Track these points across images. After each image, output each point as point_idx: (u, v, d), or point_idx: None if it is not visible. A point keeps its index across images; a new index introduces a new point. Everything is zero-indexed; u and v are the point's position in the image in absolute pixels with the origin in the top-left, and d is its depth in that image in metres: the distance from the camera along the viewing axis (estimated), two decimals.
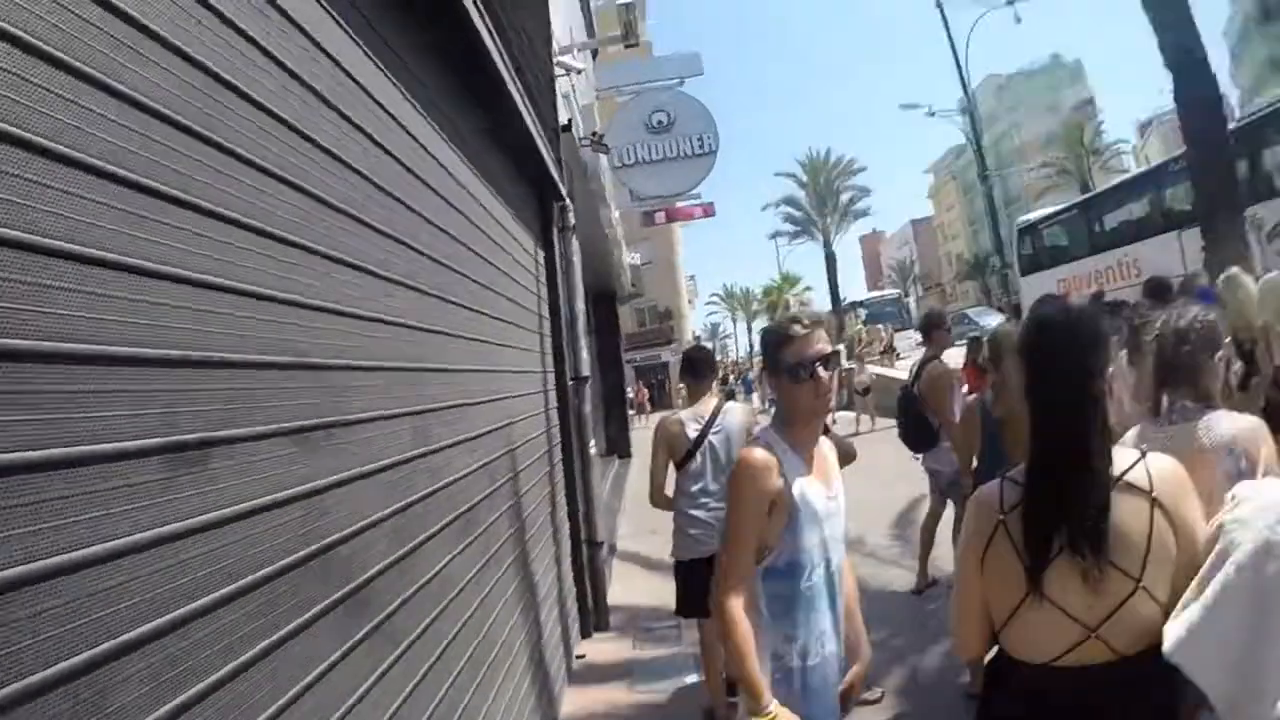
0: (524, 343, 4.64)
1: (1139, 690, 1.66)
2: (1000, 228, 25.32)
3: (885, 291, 59.27)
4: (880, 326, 31.52)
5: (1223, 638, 1.54)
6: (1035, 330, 1.92)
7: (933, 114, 26.82)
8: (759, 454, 2.22)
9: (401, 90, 2.76)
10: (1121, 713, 1.67)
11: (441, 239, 3.04)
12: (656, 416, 29.63)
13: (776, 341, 2.32)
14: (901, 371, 18.97)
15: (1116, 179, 41.15)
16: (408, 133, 2.78)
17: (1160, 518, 1.65)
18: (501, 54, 3.82)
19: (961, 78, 23.67)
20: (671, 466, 4.45)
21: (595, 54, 11.84)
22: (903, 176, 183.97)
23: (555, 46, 6.57)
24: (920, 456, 6.13)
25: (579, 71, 7.99)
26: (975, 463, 4.42)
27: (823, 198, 53.35)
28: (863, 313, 43.27)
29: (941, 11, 23.28)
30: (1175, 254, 15.67)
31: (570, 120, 6.99)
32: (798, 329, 2.28)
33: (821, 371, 2.25)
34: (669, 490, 4.48)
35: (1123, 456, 1.73)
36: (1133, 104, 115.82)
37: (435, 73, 3.30)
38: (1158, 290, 6.12)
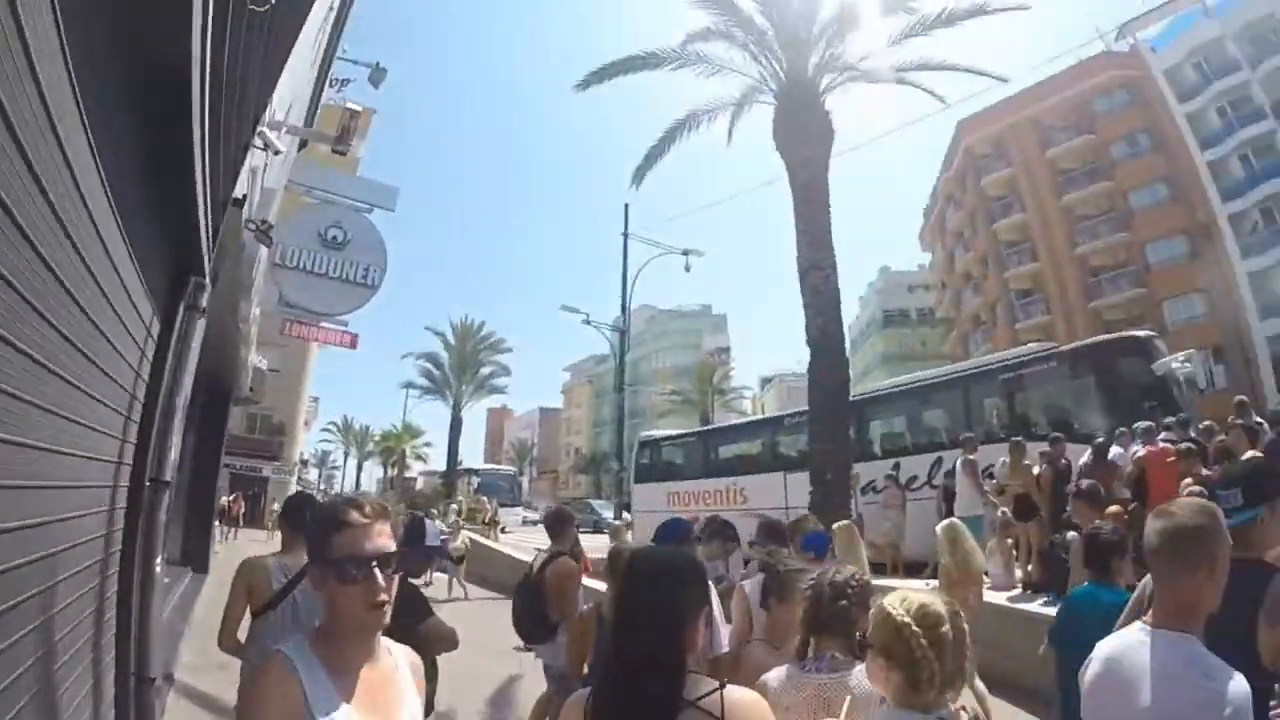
0: (101, 423, 3.67)
1: None
2: (624, 435, 26.84)
3: (502, 466, 60.92)
4: (485, 498, 31.87)
5: None
6: (637, 560, 2.05)
7: (589, 322, 28.42)
8: (270, 675, 1.77)
9: None
10: None
11: (20, 247, 2.12)
12: (245, 535, 27.12)
13: (327, 526, 1.89)
14: (503, 546, 19.51)
15: (736, 418, 46.18)
16: None
17: None
18: (204, 79, 3.14)
19: (624, 302, 25.87)
20: (249, 613, 3.95)
21: (303, 145, 11.07)
22: (542, 365, 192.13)
23: (268, 113, 5.89)
24: (533, 648, 6.10)
25: (279, 153, 7.26)
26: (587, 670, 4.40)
27: (464, 364, 54.16)
28: (476, 481, 43.63)
29: (625, 241, 25.36)
30: (779, 491, 18.11)
31: (246, 196, 6.23)
32: (356, 515, 1.89)
33: (378, 574, 1.84)
34: (243, 635, 3.96)
35: (700, 684, 1.82)
36: (761, 361, 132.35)
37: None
38: (772, 532, 6.35)
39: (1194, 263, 38.76)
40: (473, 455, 78.54)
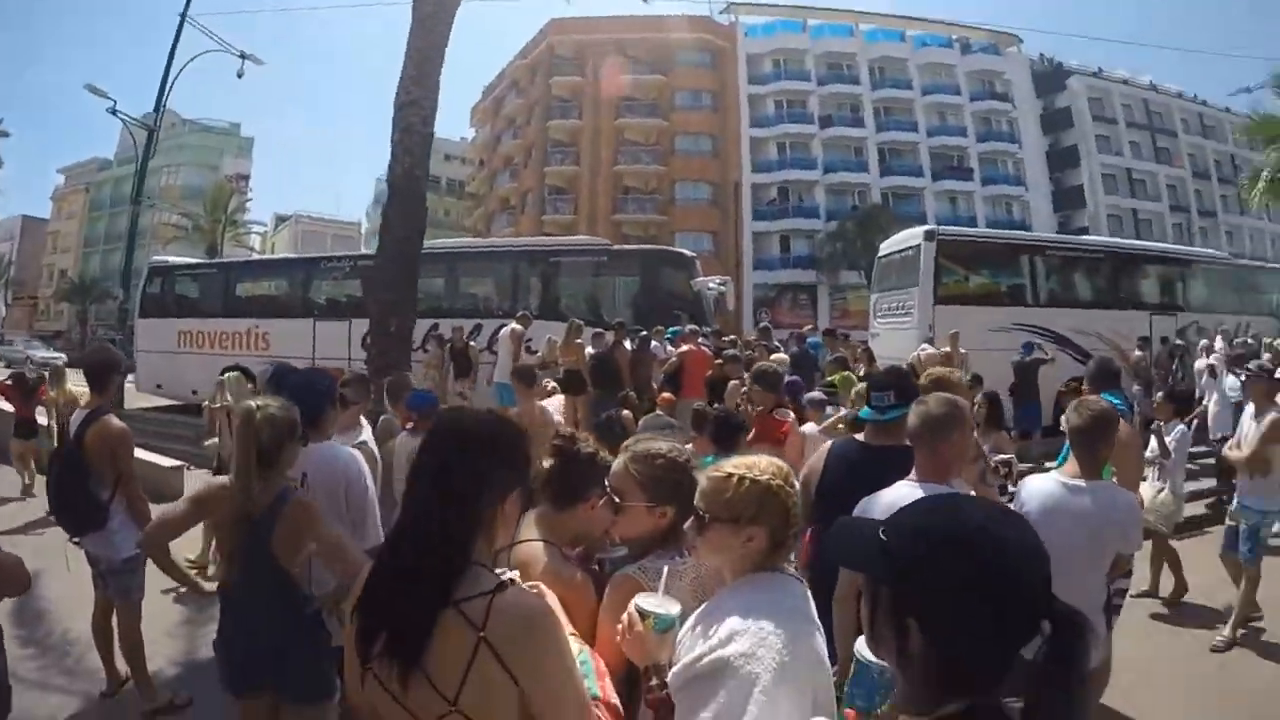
0: None
1: None
2: (132, 259, 22.79)
3: None
4: None
5: None
6: (442, 424, 1.90)
7: (114, 111, 22.64)
8: None
9: None
10: None
11: None
12: None
13: None
14: None
15: (245, 255, 42.36)
16: None
17: (488, 658, 1.54)
18: None
19: (161, 98, 22.04)
20: None
21: None
22: (29, 162, 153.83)
23: None
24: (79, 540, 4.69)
25: None
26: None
27: None
28: None
29: (181, 24, 21.41)
30: (308, 340, 16.54)
31: None
32: None
33: None
34: None
35: (478, 581, 1.60)
36: (279, 197, 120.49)
37: None
38: (395, 389, 5.89)
39: (712, 209, 46.57)
40: None
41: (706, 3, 48.35)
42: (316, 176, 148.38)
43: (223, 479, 3.30)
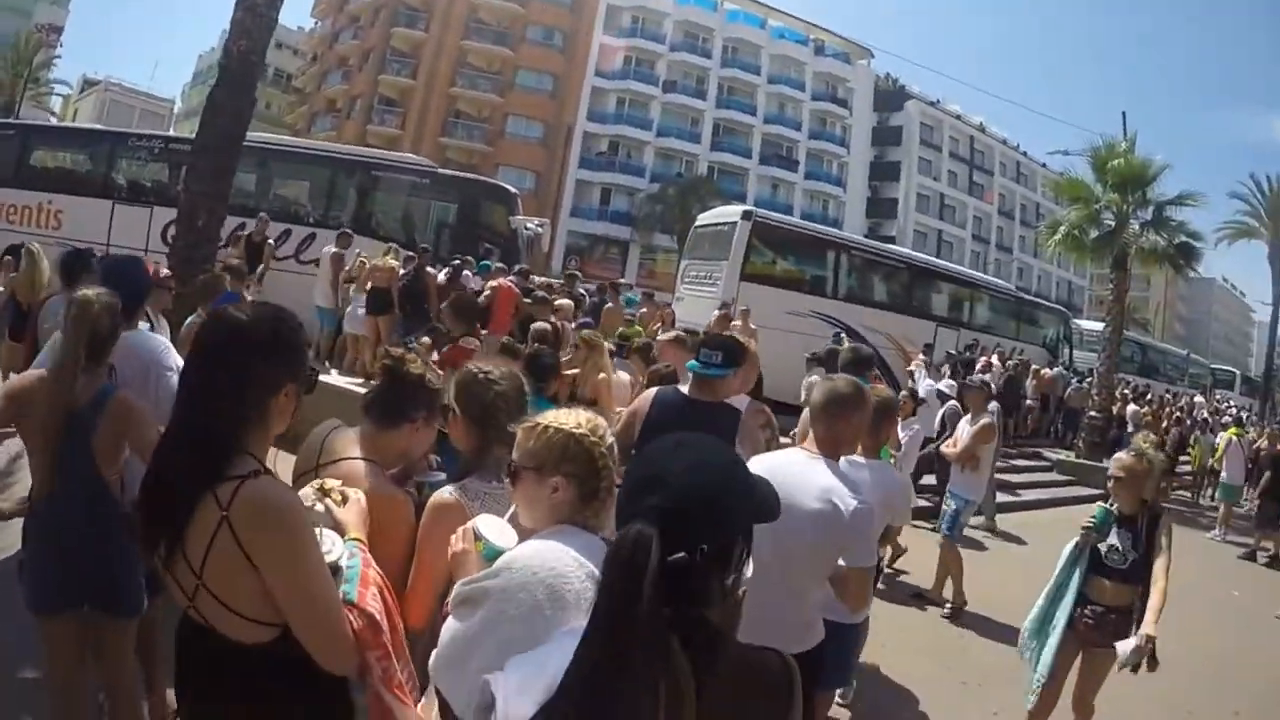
0: None
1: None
2: None
3: None
4: None
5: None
6: (208, 323, 1.95)
7: None
8: None
9: None
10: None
11: None
12: None
13: None
14: None
15: (45, 118, 38.01)
16: None
17: (227, 537, 1.63)
18: None
19: None
20: None
21: None
22: None
23: None
24: None
25: None
26: None
27: None
28: None
29: None
30: (104, 223, 15.03)
31: None
32: None
33: None
34: None
35: (238, 466, 1.68)
36: (87, 58, 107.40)
37: None
38: (207, 290, 5.74)
39: (540, 149, 46.53)
40: None
41: None
42: (135, 40, 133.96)
43: (38, 371, 2.95)
